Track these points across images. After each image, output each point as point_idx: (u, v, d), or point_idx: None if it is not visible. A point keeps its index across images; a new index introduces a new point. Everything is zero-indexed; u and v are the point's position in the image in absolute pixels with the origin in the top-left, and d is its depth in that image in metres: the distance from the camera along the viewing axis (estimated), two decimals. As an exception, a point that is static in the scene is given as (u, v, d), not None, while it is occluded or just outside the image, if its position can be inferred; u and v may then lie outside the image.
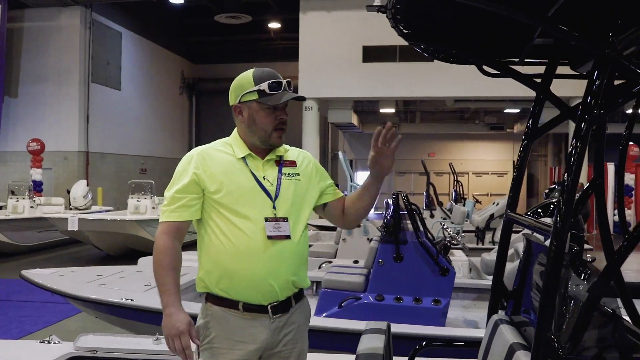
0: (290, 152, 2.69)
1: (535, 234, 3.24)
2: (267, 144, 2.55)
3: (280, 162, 2.61)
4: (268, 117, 2.51)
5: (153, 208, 13.90)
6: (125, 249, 13.50)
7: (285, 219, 2.48)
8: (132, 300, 5.13)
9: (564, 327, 2.09)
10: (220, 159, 2.54)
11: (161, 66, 25.03)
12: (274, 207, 2.48)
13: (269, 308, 2.47)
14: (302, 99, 2.59)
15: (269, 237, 2.43)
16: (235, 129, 2.65)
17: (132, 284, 5.82)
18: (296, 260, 2.54)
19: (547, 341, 1.94)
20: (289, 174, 2.59)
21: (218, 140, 2.66)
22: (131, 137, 22.46)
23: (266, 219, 2.44)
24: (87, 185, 16.04)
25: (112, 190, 20.29)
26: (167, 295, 2.44)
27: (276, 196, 2.50)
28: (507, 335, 2.44)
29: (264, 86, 2.49)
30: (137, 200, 14.04)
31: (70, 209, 15.34)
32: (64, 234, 13.78)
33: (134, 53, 22.85)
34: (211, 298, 2.52)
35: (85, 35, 19.74)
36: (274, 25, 23.91)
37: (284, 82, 2.53)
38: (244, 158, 2.55)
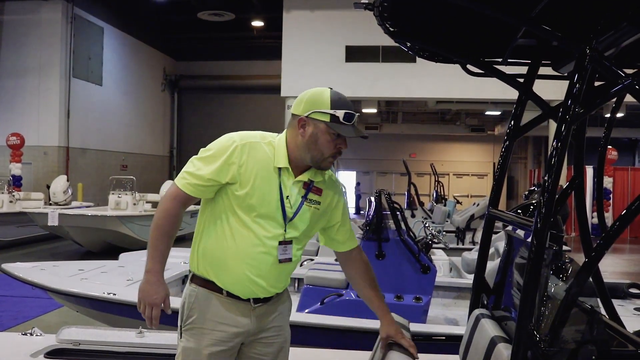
0: (324, 179, 2.64)
1: (516, 231, 3.31)
2: (317, 165, 2.52)
3: (309, 186, 2.57)
4: (330, 143, 2.47)
5: (134, 204, 13.85)
6: (105, 245, 13.45)
7: (290, 242, 2.50)
8: (114, 294, 5.13)
9: (544, 321, 2.14)
10: (261, 158, 2.48)
11: (143, 62, 24.92)
12: (285, 230, 2.48)
13: (250, 299, 2.50)
14: (366, 137, 2.55)
15: (280, 261, 2.46)
16: (285, 133, 2.57)
17: (114, 279, 5.81)
18: (287, 276, 2.59)
19: (528, 334, 1.98)
20: (310, 200, 2.56)
21: (262, 134, 2.57)
22: (112, 133, 22.34)
23: (280, 242, 2.46)
24: (67, 180, 15.94)
25: (92, 186, 20.18)
26: (153, 261, 2.44)
27: (291, 219, 2.49)
28: (489, 328, 2.49)
29: (340, 114, 2.45)
30: (118, 197, 13.98)
31: (50, 204, 15.23)
32: (44, 229, 13.67)
33: (115, 49, 22.73)
34: (197, 279, 2.53)
35: (67, 30, 19.60)
36: (257, 23, 23.88)
37: (356, 116, 2.50)
38: (279, 168, 2.50)
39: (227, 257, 2.45)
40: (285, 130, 2.57)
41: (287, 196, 2.49)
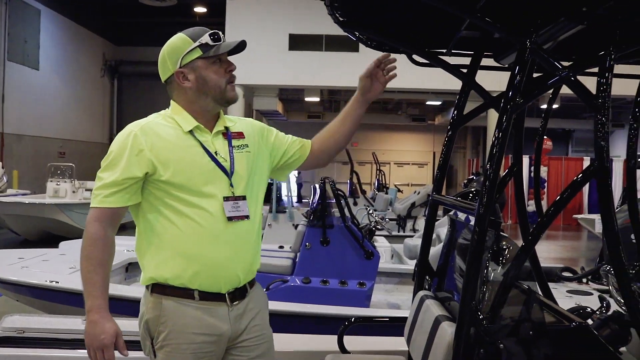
0: (237, 123, 2.50)
1: (458, 217, 3.43)
2: (223, 101, 2.35)
3: (227, 135, 2.40)
4: (218, 71, 2.33)
5: (73, 192, 13.61)
6: (43, 234, 13.17)
7: (243, 197, 2.31)
8: (57, 282, 5.06)
9: (486, 300, 2.25)
10: (166, 133, 2.27)
11: (82, 47, 24.27)
12: (231, 185, 2.29)
13: (226, 295, 2.29)
14: (244, 44, 2.37)
15: (229, 219, 2.25)
16: (172, 102, 2.40)
17: (57, 267, 5.73)
18: (255, 242, 2.40)
19: (471, 312, 2.09)
20: (238, 146, 2.39)
21: (154, 115, 2.38)
22: (49, 119, 21.72)
23: (225, 198, 2.26)
24: (2, 167, 15.47)
25: (29, 173, 19.59)
26: (91, 298, 2.16)
27: (232, 172, 2.31)
28: (433, 308, 2.59)
29: (206, 39, 2.30)
30: (57, 184, 13.69)
31: (-16, 192, 14.78)
32: (-22, 218, 13.30)
33: (53, 32, 22.07)
34: (160, 289, 2.26)
35: (1, 11, 18.93)
36: (200, 9, 23.57)
37: (220, 33, 2.35)
38: (191, 131, 2.31)
39: (184, 248, 2.23)
40: (171, 101, 2.41)
41: (216, 152, 2.32)
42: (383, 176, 18.35)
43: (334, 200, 6.03)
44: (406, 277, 6.81)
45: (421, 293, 2.91)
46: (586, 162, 21.67)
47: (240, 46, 2.37)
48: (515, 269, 2.17)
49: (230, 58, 2.41)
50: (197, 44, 2.31)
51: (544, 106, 3.44)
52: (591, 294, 5.26)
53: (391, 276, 6.97)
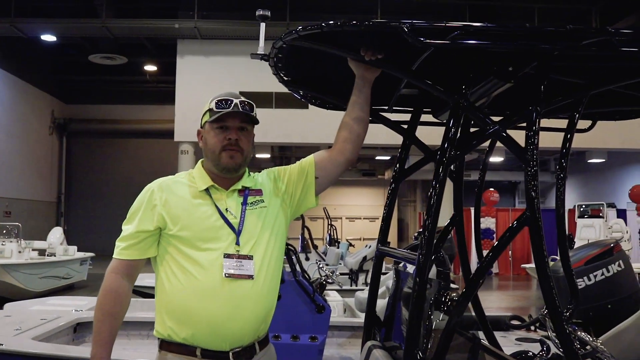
0: (260, 179, 2.52)
1: (406, 269, 3.52)
2: (220, 167, 2.36)
3: (244, 193, 2.41)
4: (216, 137, 2.36)
5: (19, 252, 13.21)
6: (-14, 296, 12.74)
7: (249, 257, 2.28)
8: (1, 344, 4.92)
9: (430, 347, 2.32)
10: (181, 191, 2.36)
11: (30, 105, 23.97)
12: (237, 243, 2.28)
13: (230, 354, 2.25)
14: (248, 116, 2.45)
15: (227, 276, 2.22)
16: (200, 159, 2.50)
17: (1, 329, 5.56)
18: (261, 304, 2.32)
19: (414, 358, 2.15)
20: (253, 202, 2.40)
21: (182, 172, 2.49)
22: (-5, 178, 21.29)
23: (226, 255, 2.24)
24: (-55, 228, 15.03)
25: (-28, 234, 19.05)
26: (96, 346, 2.24)
27: (239, 231, 2.30)
28: (381, 358, 2.65)
29: (212, 104, 2.38)
30: (2, 244, 13.30)
31: None
32: None
33: (0, 90, 21.81)
34: (165, 345, 2.29)
35: (-54, 70, 18.69)
36: (150, 67, 23.70)
37: (236, 100, 2.41)
38: (207, 190, 2.36)
39: (184, 302, 2.23)
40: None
41: (226, 209, 2.34)
42: (335, 231, 18.43)
43: (285, 255, 6.06)
44: (358, 330, 6.81)
45: (369, 343, 2.96)
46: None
47: (245, 115, 2.46)
48: (457, 315, 2.24)
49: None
50: (207, 108, 2.43)
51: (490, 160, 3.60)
52: (538, 340, 5.37)
53: (343, 330, 6.96)
